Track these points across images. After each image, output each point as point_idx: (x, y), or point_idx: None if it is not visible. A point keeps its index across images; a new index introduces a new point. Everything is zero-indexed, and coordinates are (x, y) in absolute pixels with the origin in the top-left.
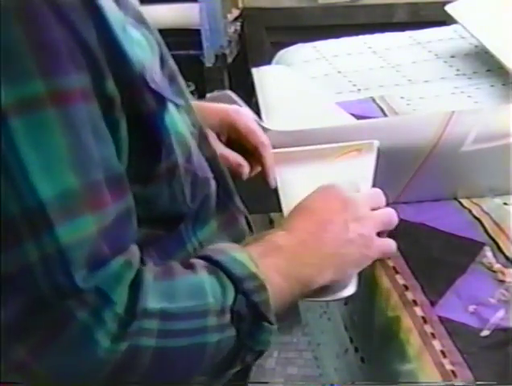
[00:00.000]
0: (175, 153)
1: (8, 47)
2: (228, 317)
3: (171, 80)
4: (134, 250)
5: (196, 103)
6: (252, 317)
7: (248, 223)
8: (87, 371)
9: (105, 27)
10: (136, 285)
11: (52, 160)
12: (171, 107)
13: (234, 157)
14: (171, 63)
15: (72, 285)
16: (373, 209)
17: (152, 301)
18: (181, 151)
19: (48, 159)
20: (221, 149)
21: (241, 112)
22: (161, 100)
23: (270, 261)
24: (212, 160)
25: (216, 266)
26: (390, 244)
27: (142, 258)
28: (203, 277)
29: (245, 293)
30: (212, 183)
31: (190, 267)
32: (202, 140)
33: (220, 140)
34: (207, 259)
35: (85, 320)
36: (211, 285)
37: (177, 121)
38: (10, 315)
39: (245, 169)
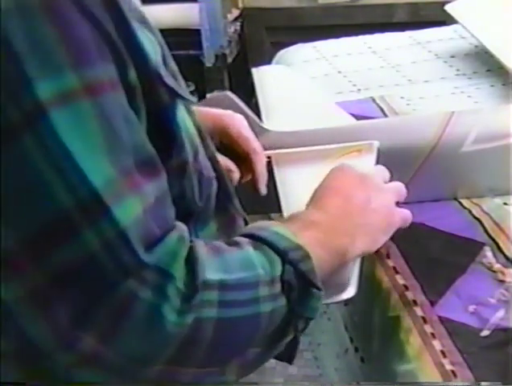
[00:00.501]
0: (185, 150)
1: (39, 44)
2: (278, 286)
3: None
4: (182, 226)
5: (196, 109)
6: (301, 285)
7: (246, 225)
8: (157, 348)
9: (123, 21)
10: (192, 259)
11: (94, 148)
12: (180, 104)
13: (225, 162)
14: (172, 64)
15: (138, 261)
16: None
17: (210, 273)
18: (190, 149)
19: (91, 148)
20: None
21: (234, 118)
22: (173, 96)
23: (309, 234)
24: (212, 161)
25: (260, 242)
26: (407, 213)
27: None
28: (249, 251)
29: (292, 263)
30: (215, 183)
31: (235, 244)
32: (202, 140)
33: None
34: (250, 236)
35: (149, 298)
36: (258, 258)
37: (186, 118)
38: (75, 306)
39: (236, 175)
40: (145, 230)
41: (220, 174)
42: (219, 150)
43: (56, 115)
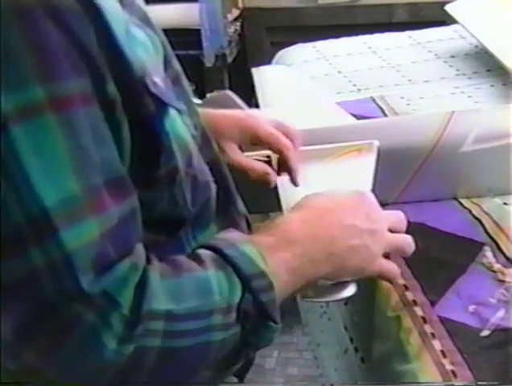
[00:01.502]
0: (175, 157)
1: (6, 53)
2: (233, 315)
3: (175, 81)
4: (140, 251)
5: (207, 113)
6: (258, 316)
7: (248, 224)
8: (94, 373)
9: (106, 30)
10: (142, 287)
11: (54, 165)
12: (172, 111)
13: (261, 166)
14: (176, 64)
15: (78, 289)
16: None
17: (157, 302)
18: (182, 155)
19: (50, 165)
20: (245, 160)
21: (258, 118)
22: (161, 105)
23: (280, 257)
24: (214, 164)
25: (225, 260)
26: (400, 239)
27: (148, 256)
28: (210, 273)
29: (253, 292)
30: (213, 187)
31: (198, 261)
32: (204, 143)
33: (241, 150)
34: (216, 251)
35: (92, 323)
36: (218, 281)
37: (178, 125)
38: (17, 320)
39: (273, 177)
40: (98, 254)
41: (222, 177)
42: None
43: (17, 129)
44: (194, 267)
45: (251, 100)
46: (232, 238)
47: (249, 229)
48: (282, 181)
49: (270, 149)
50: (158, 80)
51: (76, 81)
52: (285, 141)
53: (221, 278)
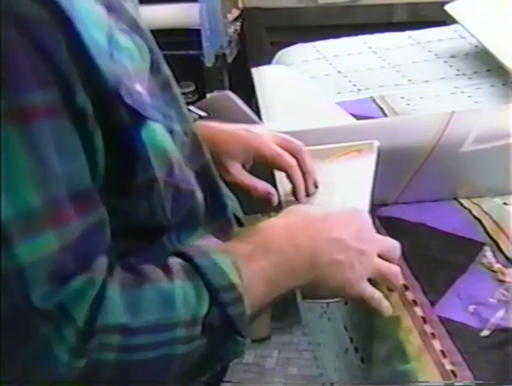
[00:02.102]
0: (152, 167)
1: None
2: (199, 328)
3: (165, 87)
4: (100, 264)
5: (211, 128)
6: (225, 329)
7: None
8: (50, 383)
9: (76, 40)
10: (98, 301)
11: (13, 178)
12: (151, 121)
13: (263, 186)
14: (166, 70)
15: (28, 303)
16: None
17: (114, 316)
18: (161, 165)
19: (9, 177)
20: (248, 179)
21: (262, 137)
22: (137, 116)
23: (257, 266)
24: (205, 170)
25: (195, 270)
26: (388, 267)
27: (111, 266)
28: (176, 284)
29: (221, 304)
30: (199, 195)
31: (166, 270)
32: (195, 149)
33: (244, 168)
34: (187, 259)
35: (46, 334)
36: (184, 293)
37: (158, 135)
38: None
39: (275, 197)
40: (54, 267)
41: (213, 184)
42: (252, 170)
43: None
44: (160, 278)
45: (251, 100)
46: (206, 246)
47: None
48: (282, 181)
49: (275, 167)
50: (140, 88)
51: (40, 93)
52: (289, 159)
53: (188, 289)
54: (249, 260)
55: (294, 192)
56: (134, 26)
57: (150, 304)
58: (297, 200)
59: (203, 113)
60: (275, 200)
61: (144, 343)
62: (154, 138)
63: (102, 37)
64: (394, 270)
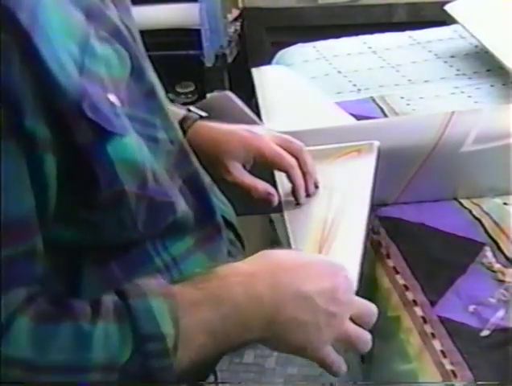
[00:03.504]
0: (120, 181)
1: None
2: (115, 375)
3: (149, 96)
4: (14, 295)
5: (212, 128)
6: (146, 379)
7: (236, 234)
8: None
9: (33, 57)
10: (3, 332)
11: None
12: (125, 132)
13: (263, 187)
14: (151, 78)
15: None
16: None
17: (15, 350)
18: (131, 179)
19: None
20: (249, 180)
21: (262, 138)
22: (101, 130)
23: (201, 316)
24: (193, 178)
25: (127, 311)
26: (360, 334)
27: (32, 297)
28: (98, 325)
29: (145, 354)
30: (181, 206)
31: (94, 308)
32: (182, 157)
33: (245, 168)
34: (123, 298)
35: None
36: (105, 335)
37: (128, 148)
38: None
39: (275, 197)
40: None
41: (201, 191)
42: (252, 170)
43: None
44: (84, 316)
45: (251, 100)
46: (149, 287)
47: (239, 239)
48: (282, 182)
49: (275, 168)
50: (114, 98)
51: None
52: (289, 159)
53: (112, 332)
54: (193, 309)
55: (294, 192)
56: (115, 34)
57: (62, 343)
58: (297, 200)
59: (203, 113)
60: (275, 200)
61: (50, 382)
62: (123, 152)
63: (73, 46)
64: (365, 338)
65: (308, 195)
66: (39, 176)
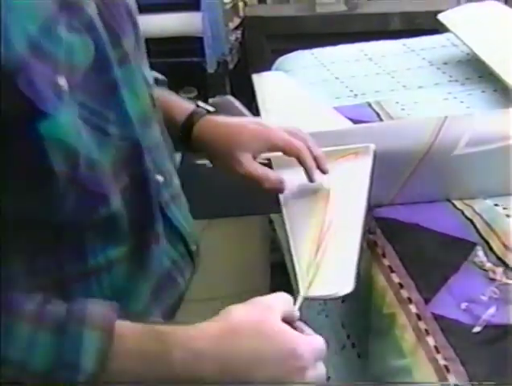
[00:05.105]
0: (48, 159)
1: None
2: (27, 378)
3: (109, 90)
4: None
5: (221, 122)
6: None
7: (186, 245)
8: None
9: None
10: None
11: None
12: (59, 114)
13: (275, 176)
14: (118, 74)
15: None
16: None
17: None
18: (61, 159)
19: None
20: (260, 170)
21: (268, 126)
22: (32, 106)
23: (132, 368)
24: (140, 179)
25: (62, 330)
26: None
27: None
28: (30, 328)
29: (57, 377)
30: (116, 202)
31: (38, 312)
32: (134, 156)
33: (255, 159)
34: (66, 316)
35: None
36: (32, 338)
37: (63, 128)
38: None
39: (285, 184)
40: None
41: (145, 195)
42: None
43: None
44: (21, 312)
45: (251, 104)
46: (93, 316)
47: (187, 249)
48: (278, 168)
49: (286, 153)
50: (63, 82)
51: None
52: (298, 143)
53: (41, 339)
54: (127, 358)
55: (307, 173)
56: (88, 27)
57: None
58: (310, 180)
59: (211, 108)
60: (287, 188)
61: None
62: (54, 132)
63: (31, 25)
64: (322, 375)
65: (324, 173)
66: None
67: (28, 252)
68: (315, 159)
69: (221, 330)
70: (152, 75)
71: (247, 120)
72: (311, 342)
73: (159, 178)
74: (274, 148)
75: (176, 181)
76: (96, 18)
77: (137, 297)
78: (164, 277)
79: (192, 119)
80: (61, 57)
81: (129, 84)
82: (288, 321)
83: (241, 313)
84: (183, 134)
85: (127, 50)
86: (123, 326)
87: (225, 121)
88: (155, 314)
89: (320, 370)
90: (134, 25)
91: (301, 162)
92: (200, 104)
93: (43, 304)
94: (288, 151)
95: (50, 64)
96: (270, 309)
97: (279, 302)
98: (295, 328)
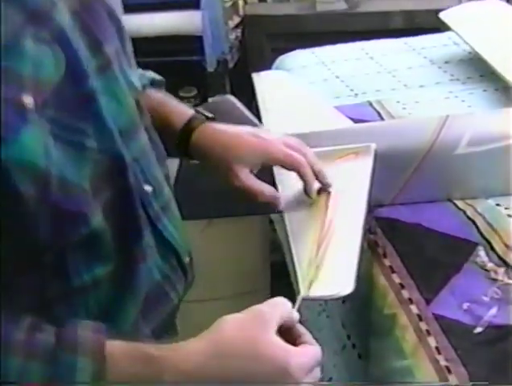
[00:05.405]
0: (14, 183)
1: None
2: None
3: (86, 103)
4: None
5: (221, 132)
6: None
7: (178, 258)
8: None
9: None
10: None
11: None
12: (30, 135)
13: (270, 191)
14: (93, 85)
15: None
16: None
17: None
18: (28, 182)
19: None
20: (256, 184)
21: (269, 140)
22: None
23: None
24: (121, 194)
25: (53, 358)
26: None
27: None
28: (16, 359)
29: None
30: (97, 219)
31: (28, 335)
32: (114, 170)
33: (251, 172)
34: (56, 343)
35: None
36: (24, 367)
37: (28, 151)
38: None
39: (280, 200)
40: None
41: (131, 210)
42: (259, 175)
43: None
44: (12, 337)
45: (251, 103)
46: (82, 341)
47: (180, 265)
48: (281, 183)
49: (286, 167)
50: (29, 100)
51: None
52: (299, 158)
53: (32, 368)
54: (119, 379)
55: (305, 190)
56: (58, 37)
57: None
58: (309, 197)
59: (210, 114)
60: (281, 204)
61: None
62: (19, 154)
63: None
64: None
65: (324, 188)
66: None
67: (10, 271)
68: (316, 174)
69: (212, 351)
70: (148, 76)
71: (246, 130)
72: (304, 355)
73: (148, 188)
74: (273, 161)
75: (167, 189)
76: (68, 27)
77: (124, 316)
78: (154, 293)
79: (190, 125)
80: (27, 73)
81: (110, 93)
82: (288, 325)
83: (234, 326)
84: (181, 140)
85: (109, 56)
86: (113, 346)
87: (223, 131)
88: (145, 331)
89: (312, 378)
90: (119, 29)
91: (301, 177)
92: (199, 110)
93: (31, 331)
94: (288, 165)
95: (14, 83)
96: (265, 323)
97: (276, 312)
98: (293, 334)
